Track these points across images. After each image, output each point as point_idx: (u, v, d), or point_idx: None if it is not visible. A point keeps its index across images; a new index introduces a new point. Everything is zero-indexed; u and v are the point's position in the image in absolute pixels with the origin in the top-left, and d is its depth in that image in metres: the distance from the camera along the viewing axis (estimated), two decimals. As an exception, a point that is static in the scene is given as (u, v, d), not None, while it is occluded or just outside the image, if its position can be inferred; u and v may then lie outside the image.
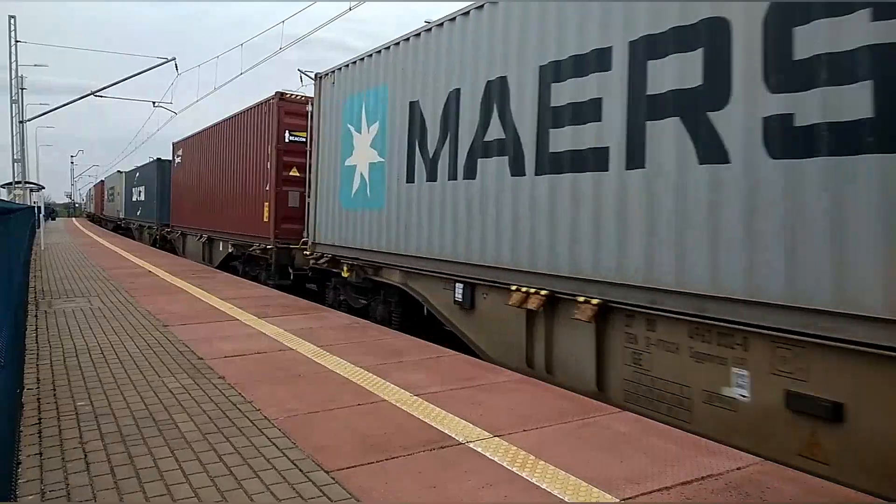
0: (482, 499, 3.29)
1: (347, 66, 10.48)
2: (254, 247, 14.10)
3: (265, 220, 13.49)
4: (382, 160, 9.30)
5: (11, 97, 32.46)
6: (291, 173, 13.12)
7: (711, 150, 4.73)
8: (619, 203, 5.50)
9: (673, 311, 4.99)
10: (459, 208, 7.58)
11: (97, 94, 28.65)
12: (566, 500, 3.28)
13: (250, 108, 14.82)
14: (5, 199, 24.11)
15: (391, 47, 9.18)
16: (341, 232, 10.46)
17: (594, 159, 5.75)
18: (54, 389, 5.10)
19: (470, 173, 7.43)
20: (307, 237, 11.71)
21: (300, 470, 3.61)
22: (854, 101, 3.87)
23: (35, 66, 56.94)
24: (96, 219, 56.95)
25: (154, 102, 31.96)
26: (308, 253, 11.49)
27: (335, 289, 11.13)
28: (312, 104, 11.89)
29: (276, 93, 13.35)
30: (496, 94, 7.04)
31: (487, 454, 3.84)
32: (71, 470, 3.59)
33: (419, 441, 4.04)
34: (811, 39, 4.11)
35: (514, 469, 3.63)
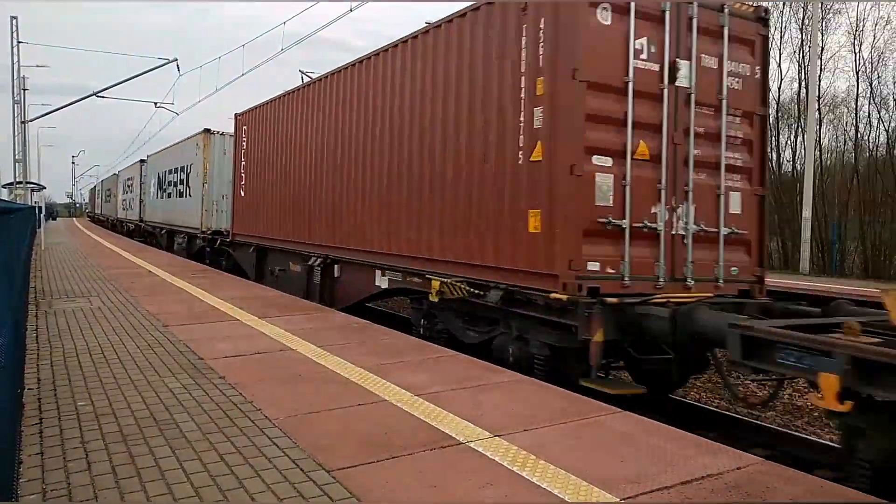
0: (483, 498, 3.30)
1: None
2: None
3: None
4: None
5: (13, 98, 32.51)
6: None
7: None
8: None
9: None
10: None
11: (99, 94, 28.69)
12: (566, 499, 3.28)
13: None
14: (6, 199, 24.13)
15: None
16: None
17: None
18: (55, 389, 5.11)
19: None
20: None
21: (301, 469, 3.61)
22: None
23: (37, 66, 56.95)
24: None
25: (156, 103, 32.04)
26: None
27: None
28: None
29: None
30: None
31: (488, 454, 3.84)
32: (72, 469, 3.59)
33: (420, 441, 4.05)
34: None
35: (515, 468, 3.63)
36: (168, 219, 24.48)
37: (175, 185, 23.00)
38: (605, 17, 6.28)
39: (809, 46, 20.90)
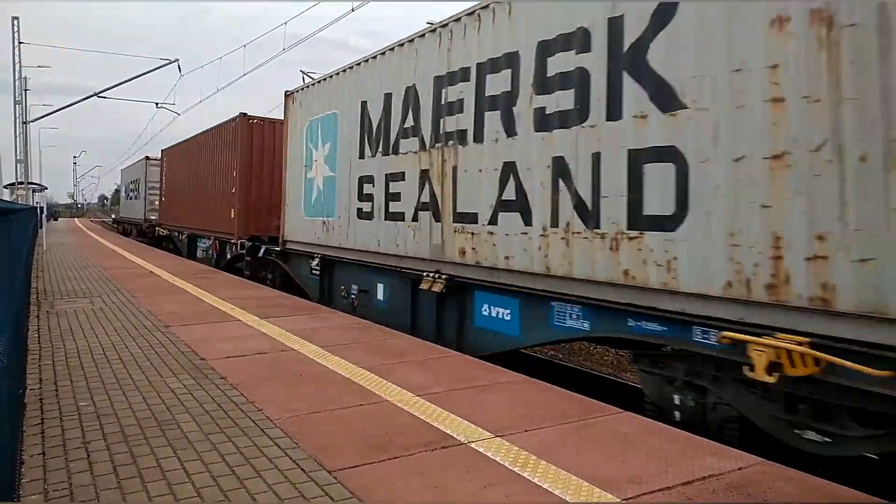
0: (484, 499, 3.30)
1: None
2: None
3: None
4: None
5: (15, 98, 32.53)
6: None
7: None
8: None
9: None
10: None
11: (100, 95, 28.71)
12: (568, 499, 3.28)
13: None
14: (8, 199, 24.16)
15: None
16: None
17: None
18: (56, 390, 5.11)
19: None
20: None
21: (302, 469, 3.62)
22: None
23: (38, 67, 56.99)
24: None
25: (157, 103, 32.06)
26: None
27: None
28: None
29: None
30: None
31: (489, 454, 3.84)
32: (74, 470, 3.60)
33: (421, 441, 4.05)
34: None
35: (516, 469, 3.64)
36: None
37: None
38: None
39: None
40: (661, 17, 5.25)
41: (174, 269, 14.88)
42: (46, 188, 41.18)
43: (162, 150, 26.27)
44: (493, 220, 7.04)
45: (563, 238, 6.12)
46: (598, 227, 5.74)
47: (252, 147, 15.56)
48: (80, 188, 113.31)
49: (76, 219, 79.49)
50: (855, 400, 4.15)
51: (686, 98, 5.02)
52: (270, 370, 5.75)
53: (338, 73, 10.96)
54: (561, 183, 6.15)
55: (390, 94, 9.20)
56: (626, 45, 5.52)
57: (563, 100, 6.15)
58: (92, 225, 55.31)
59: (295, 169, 12.51)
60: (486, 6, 7.29)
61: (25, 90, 32.69)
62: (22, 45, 32.67)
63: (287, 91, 13.09)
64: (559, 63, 6.22)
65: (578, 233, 5.95)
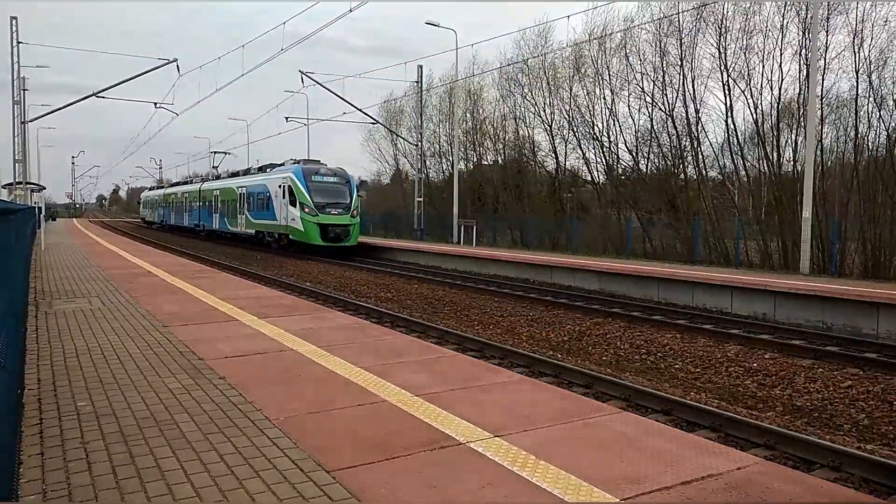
0: (483, 498, 3.30)
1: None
2: None
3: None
4: None
5: (13, 98, 32.49)
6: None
7: None
8: None
9: None
10: None
11: (99, 94, 28.71)
12: (566, 499, 3.28)
13: None
14: (6, 199, 24.12)
15: None
16: None
17: None
18: (55, 390, 5.11)
19: None
20: None
21: (301, 470, 3.61)
22: None
23: (37, 67, 56.98)
24: None
25: (156, 103, 32.10)
26: None
27: None
28: None
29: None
30: None
31: (488, 454, 3.84)
32: (72, 470, 3.60)
33: (420, 441, 4.05)
34: None
35: (515, 469, 3.64)
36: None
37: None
38: None
39: (810, 44, 20.85)
40: None
41: (172, 269, 14.87)
42: (45, 188, 41.17)
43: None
44: None
45: None
46: None
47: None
48: (79, 188, 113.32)
49: (74, 219, 79.38)
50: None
51: None
52: (269, 370, 5.75)
53: None
54: None
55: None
56: None
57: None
58: (90, 225, 55.24)
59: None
60: None
61: (24, 90, 32.66)
62: (20, 44, 32.63)
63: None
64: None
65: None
